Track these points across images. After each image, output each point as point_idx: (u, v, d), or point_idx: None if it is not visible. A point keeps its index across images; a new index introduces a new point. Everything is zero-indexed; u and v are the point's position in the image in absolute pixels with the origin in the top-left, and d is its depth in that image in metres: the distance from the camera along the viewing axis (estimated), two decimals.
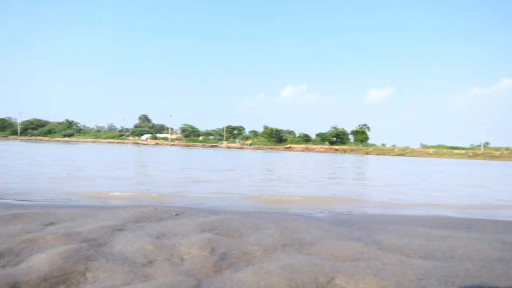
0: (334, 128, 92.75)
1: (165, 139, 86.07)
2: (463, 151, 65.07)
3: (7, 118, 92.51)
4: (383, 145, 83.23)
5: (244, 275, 1.83)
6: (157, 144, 73.72)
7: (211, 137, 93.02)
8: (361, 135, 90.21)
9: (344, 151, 71.48)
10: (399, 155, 65.36)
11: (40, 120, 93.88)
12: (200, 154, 26.08)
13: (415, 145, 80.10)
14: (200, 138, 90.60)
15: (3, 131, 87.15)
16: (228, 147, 71.77)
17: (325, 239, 2.72)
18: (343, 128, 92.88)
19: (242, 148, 70.97)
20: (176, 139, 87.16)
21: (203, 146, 73.50)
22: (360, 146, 78.51)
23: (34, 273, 1.68)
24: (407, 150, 69.61)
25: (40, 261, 1.83)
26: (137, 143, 73.23)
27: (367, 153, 68.07)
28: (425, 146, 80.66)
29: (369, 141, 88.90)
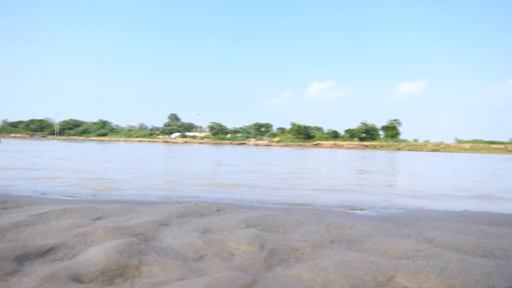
0: (364, 124, 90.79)
1: (194, 137, 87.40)
2: (502, 146, 61.64)
3: (45, 119, 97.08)
4: (415, 140, 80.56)
5: (298, 271, 1.77)
6: (186, 142, 75.03)
7: (238, 134, 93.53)
8: (391, 131, 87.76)
9: (374, 147, 69.80)
10: (433, 150, 62.99)
11: (76, 120, 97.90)
12: (236, 152, 26.24)
13: (449, 140, 77.00)
14: (228, 135, 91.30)
15: (42, 131, 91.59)
16: (256, 145, 71.89)
17: (373, 236, 2.62)
18: (372, 124, 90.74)
19: (269, 145, 70.87)
20: (204, 137, 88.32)
21: (231, 143, 74.02)
22: (391, 142, 76.40)
23: (92, 266, 1.71)
24: (441, 146, 66.95)
25: (96, 255, 1.86)
26: (167, 142, 74.79)
27: (399, 149, 66.12)
28: (460, 141, 77.41)
29: (400, 137, 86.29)
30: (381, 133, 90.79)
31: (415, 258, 2.03)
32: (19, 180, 5.57)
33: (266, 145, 69.63)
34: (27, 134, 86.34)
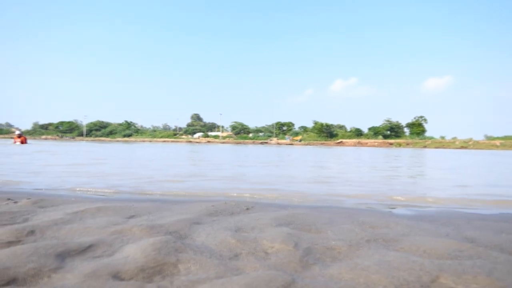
0: (388, 121, 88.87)
1: (216, 137, 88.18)
2: None
3: (74, 121, 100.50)
4: (442, 137, 78.04)
5: (338, 271, 1.73)
6: (208, 142, 75.76)
7: (260, 134, 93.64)
8: (417, 128, 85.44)
9: (399, 145, 68.03)
10: (461, 148, 60.79)
11: (102, 122, 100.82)
12: (261, 151, 26.28)
13: (479, 137, 74.17)
14: (250, 135, 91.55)
15: (70, 132, 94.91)
16: (278, 143, 71.75)
17: (410, 235, 2.53)
18: (397, 121, 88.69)
19: (292, 144, 70.54)
20: (226, 136, 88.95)
21: (253, 143, 74.18)
22: (417, 140, 74.30)
23: (131, 263, 1.73)
24: (470, 143, 64.49)
25: (134, 252, 1.88)
26: (190, 142, 75.79)
27: (425, 147, 64.13)
28: (490, 138, 74.46)
29: (426, 134, 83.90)
30: (406, 130, 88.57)
31: (459, 258, 1.94)
32: (57, 179, 5.77)
33: (288, 144, 69.34)
34: (57, 135, 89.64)
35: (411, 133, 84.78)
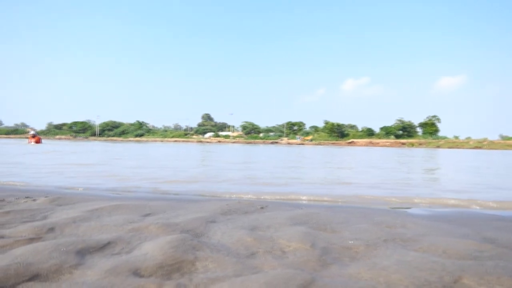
0: (400, 120, 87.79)
1: (227, 136, 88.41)
2: None
3: (87, 121, 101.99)
4: (456, 137, 76.70)
5: (357, 270, 1.71)
6: (219, 142, 76.02)
7: (271, 133, 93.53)
8: (430, 128, 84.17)
9: (412, 145, 67.10)
10: (475, 148, 59.68)
11: (114, 122, 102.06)
12: (272, 151, 26.28)
13: (494, 137, 72.68)
14: (261, 135, 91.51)
15: (84, 132, 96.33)
16: (289, 143, 71.55)
17: (428, 235, 2.49)
18: (409, 121, 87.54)
19: (302, 144, 70.27)
20: (237, 136, 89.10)
21: (263, 142, 74.16)
22: (430, 139, 73.20)
23: (150, 260, 1.74)
24: (485, 143, 63.26)
25: (152, 250, 1.90)
26: (201, 141, 76.15)
27: (438, 147, 63.10)
28: (506, 138, 72.96)
29: (440, 134, 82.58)
30: (419, 130, 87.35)
31: (480, 259, 1.90)
32: (73, 178, 5.86)
33: (299, 144, 69.09)
34: (71, 135, 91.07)
35: (424, 133, 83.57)
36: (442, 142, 67.97)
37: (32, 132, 28.93)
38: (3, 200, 3.38)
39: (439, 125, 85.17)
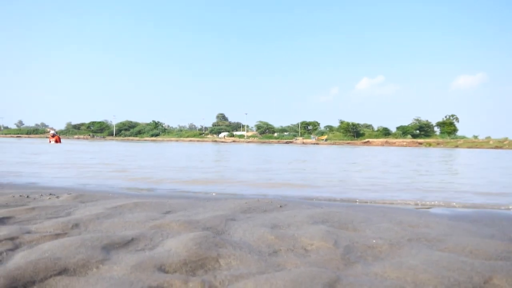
0: (417, 120, 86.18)
1: (241, 136, 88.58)
2: None
3: (104, 121, 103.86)
4: (475, 137, 74.80)
5: (382, 269, 1.68)
6: (234, 141, 76.24)
7: (285, 133, 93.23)
8: (448, 127, 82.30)
9: (429, 144, 65.71)
10: (496, 147, 58.04)
11: (131, 121, 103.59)
12: (287, 151, 26.23)
13: None
14: (275, 134, 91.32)
15: (101, 132, 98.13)
16: (303, 143, 71.15)
17: (453, 235, 2.43)
18: (427, 120, 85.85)
19: (317, 143, 69.77)
20: (251, 136, 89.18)
21: (278, 142, 73.99)
22: (448, 139, 71.58)
23: (174, 256, 1.75)
24: (505, 142, 61.43)
25: (175, 246, 1.91)
26: (216, 141, 76.51)
27: (456, 146, 61.59)
28: None
29: (458, 133, 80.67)
30: (437, 129, 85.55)
31: (510, 260, 1.84)
32: (93, 176, 5.97)
33: (313, 144, 68.63)
34: (89, 135, 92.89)
35: (442, 133, 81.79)
36: (460, 142, 66.39)
37: (52, 132, 29.67)
38: (27, 197, 3.46)
39: (457, 124, 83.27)
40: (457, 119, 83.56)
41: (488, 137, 70.78)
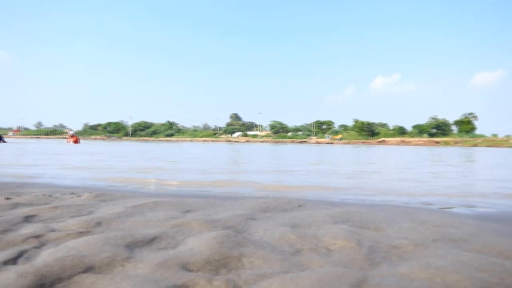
0: (434, 118, 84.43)
1: (255, 136, 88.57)
2: None
3: (120, 122, 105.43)
4: (495, 135, 72.79)
5: (409, 270, 1.64)
6: (248, 141, 76.31)
7: (299, 132, 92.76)
8: (466, 126, 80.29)
9: (447, 143, 64.25)
10: None
11: (146, 122, 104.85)
12: (302, 150, 26.12)
13: None
14: (289, 134, 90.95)
15: (117, 133, 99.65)
16: (318, 142, 70.66)
17: (480, 236, 2.36)
18: (444, 119, 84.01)
19: (332, 143, 69.19)
20: (265, 136, 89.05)
21: (292, 142, 73.69)
22: (466, 138, 69.86)
23: (197, 255, 1.75)
24: None
25: (198, 245, 1.91)
26: (229, 141, 76.71)
27: (475, 145, 60.01)
28: None
29: (476, 132, 78.61)
30: (454, 128, 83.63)
31: None
32: (112, 175, 6.06)
33: (328, 143, 68.06)
34: (105, 136, 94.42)
35: (460, 131, 79.90)
36: (479, 140, 64.72)
37: (70, 133, 30.36)
38: (50, 196, 3.53)
39: (476, 123, 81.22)
40: (475, 117, 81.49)
41: (508, 136, 68.84)
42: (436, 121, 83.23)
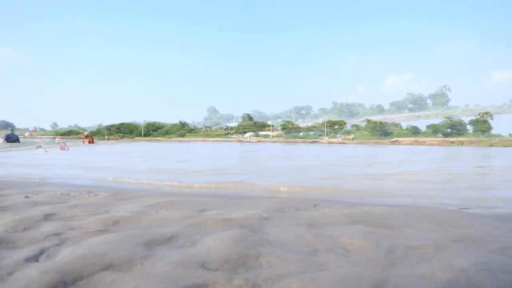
0: (448, 118, 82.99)
1: (266, 136, 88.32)
2: None
3: (133, 122, 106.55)
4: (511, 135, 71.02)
5: (430, 271, 1.61)
6: (259, 141, 76.10)
7: (311, 132, 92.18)
8: (482, 125, 78.72)
9: (462, 143, 62.75)
10: None
11: (159, 122, 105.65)
12: (315, 151, 25.99)
13: None
14: (300, 134, 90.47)
15: (130, 133, 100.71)
16: (329, 142, 70.01)
17: (502, 237, 2.31)
18: (459, 118, 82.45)
19: (344, 143, 68.53)
20: (276, 136, 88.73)
21: (303, 142, 73.23)
22: (482, 138, 68.46)
23: (215, 254, 1.75)
24: None
25: (215, 244, 1.91)
26: (241, 141, 76.63)
27: (491, 145, 58.61)
28: None
29: (492, 132, 76.93)
30: (469, 127, 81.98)
31: None
32: (128, 174, 6.13)
33: (339, 143, 67.42)
34: (118, 136, 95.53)
35: (475, 131, 78.34)
36: (496, 140, 63.12)
37: (86, 133, 30.83)
38: (68, 195, 3.59)
39: (491, 122, 79.49)
40: (491, 116, 79.79)
41: None
42: (451, 121, 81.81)
